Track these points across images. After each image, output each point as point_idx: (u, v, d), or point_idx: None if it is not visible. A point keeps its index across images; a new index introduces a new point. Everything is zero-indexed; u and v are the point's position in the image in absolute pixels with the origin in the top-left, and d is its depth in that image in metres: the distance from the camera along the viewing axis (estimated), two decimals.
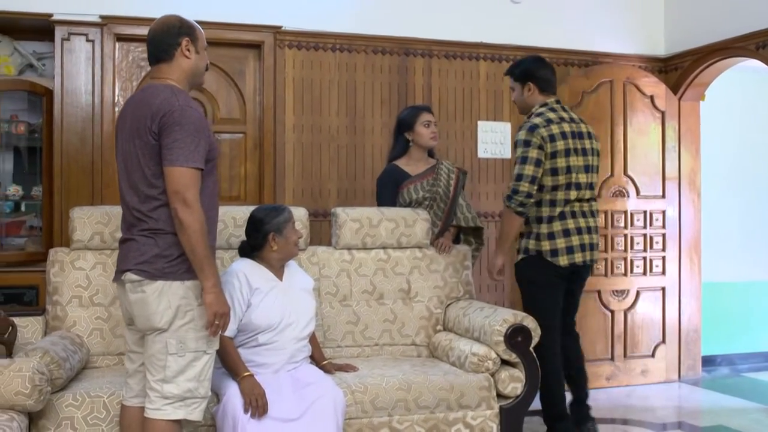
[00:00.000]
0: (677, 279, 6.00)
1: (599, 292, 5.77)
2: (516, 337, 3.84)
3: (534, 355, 3.90)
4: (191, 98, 3.03)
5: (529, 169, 4.01)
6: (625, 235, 5.85)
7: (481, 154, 5.68)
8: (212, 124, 5.27)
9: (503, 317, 3.88)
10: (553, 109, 4.19)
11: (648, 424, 4.91)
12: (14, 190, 5.04)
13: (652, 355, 5.91)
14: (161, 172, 2.89)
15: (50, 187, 4.94)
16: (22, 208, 5.16)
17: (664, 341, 5.94)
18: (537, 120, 4.10)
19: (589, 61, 5.88)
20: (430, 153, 4.68)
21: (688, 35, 5.89)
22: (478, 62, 5.67)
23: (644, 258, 5.91)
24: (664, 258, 5.96)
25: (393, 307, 4.33)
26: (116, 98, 5.07)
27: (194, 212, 2.86)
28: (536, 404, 4.07)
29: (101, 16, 4.92)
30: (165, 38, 3.03)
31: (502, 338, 3.83)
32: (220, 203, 4.78)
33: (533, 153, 4.02)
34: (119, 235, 3.14)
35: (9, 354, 3.53)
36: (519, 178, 4.03)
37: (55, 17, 4.86)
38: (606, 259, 5.79)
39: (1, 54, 5.03)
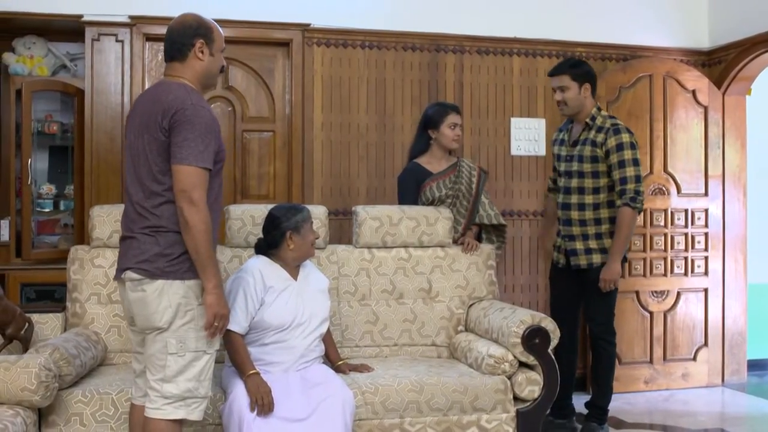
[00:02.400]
0: (721, 280, 5.78)
1: (637, 292, 5.60)
2: (534, 338, 3.74)
3: (552, 357, 3.79)
4: (204, 98, 3.02)
5: (640, 170, 4.35)
6: (665, 234, 5.66)
7: (514, 151, 5.56)
8: (241, 123, 5.30)
9: (521, 318, 3.79)
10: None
11: (687, 431, 4.74)
12: (48, 189, 5.14)
13: (694, 359, 5.71)
14: (168, 169, 2.89)
15: (81, 186, 5.01)
16: (58, 207, 5.25)
17: (706, 344, 5.74)
18: (620, 122, 4.38)
19: (627, 55, 5.70)
20: (451, 151, 4.61)
21: (732, 27, 5.67)
22: (511, 58, 5.55)
23: (686, 258, 5.71)
24: (706, 258, 5.75)
25: (413, 306, 4.27)
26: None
27: (200, 212, 2.85)
28: None
29: (130, 17, 4.97)
30: (180, 38, 3.02)
31: (519, 340, 3.74)
32: (251, 201, 4.84)
33: (638, 154, 4.36)
34: None
35: (25, 350, 3.58)
36: (638, 179, 4.31)
37: (86, 18, 4.93)
38: (645, 259, 5.62)
39: (35, 55, 5.12)
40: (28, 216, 4.95)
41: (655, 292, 5.64)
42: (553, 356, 3.80)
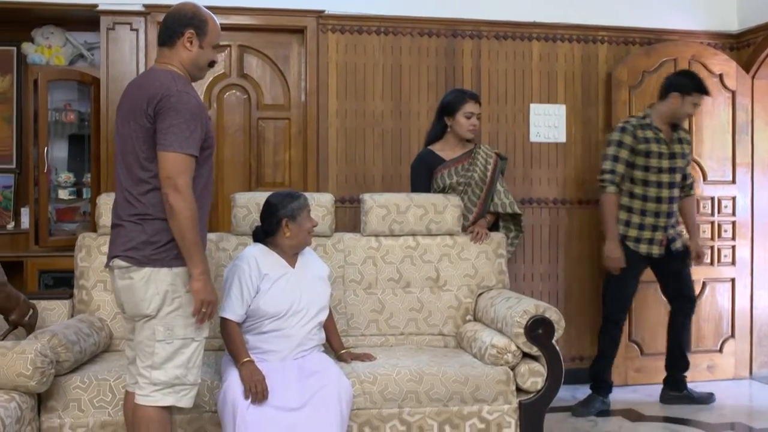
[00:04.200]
0: (749, 269, 5.62)
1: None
2: (537, 329, 3.66)
3: (556, 348, 3.71)
4: (191, 85, 3.01)
5: None
6: None
7: (533, 138, 5.46)
8: (256, 111, 5.29)
9: (524, 308, 3.71)
10: None
11: (711, 426, 4.61)
12: (66, 177, 5.20)
13: (720, 350, 5.57)
14: (154, 156, 2.88)
15: (98, 174, 5.06)
16: (81, 195, 5.30)
17: (733, 335, 5.59)
18: None
19: (651, 39, 5.55)
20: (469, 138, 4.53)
21: (762, 8, 5.46)
22: (530, 42, 5.44)
23: (712, 247, 5.56)
24: (734, 247, 5.60)
25: (420, 295, 4.22)
26: None
27: (185, 198, 2.84)
28: (557, 401, 3.89)
29: (144, 5, 4.98)
30: (172, 24, 3.02)
31: (522, 330, 3.66)
32: (266, 189, 4.83)
33: None
34: None
35: None
36: None
37: (101, 7, 4.96)
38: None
39: (53, 45, 5.17)
40: (45, 204, 5.01)
41: None
42: (557, 347, 3.72)
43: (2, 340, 3.54)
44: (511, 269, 5.29)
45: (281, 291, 3.50)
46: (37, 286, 4.92)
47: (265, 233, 3.59)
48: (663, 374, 5.37)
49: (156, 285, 2.91)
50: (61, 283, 4.91)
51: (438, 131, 4.52)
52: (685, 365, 5.05)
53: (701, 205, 5.52)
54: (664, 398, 5.04)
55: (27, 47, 5.17)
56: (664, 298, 5.45)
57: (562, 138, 5.48)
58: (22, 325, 3.63)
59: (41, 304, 3.91)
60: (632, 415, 4.79)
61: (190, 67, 3.03)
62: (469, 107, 4.44)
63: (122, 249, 2.95)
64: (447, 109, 4.47)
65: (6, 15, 5.04)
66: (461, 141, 4.49)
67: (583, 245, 5.50)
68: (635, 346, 5.44)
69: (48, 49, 5.14)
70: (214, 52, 3.09)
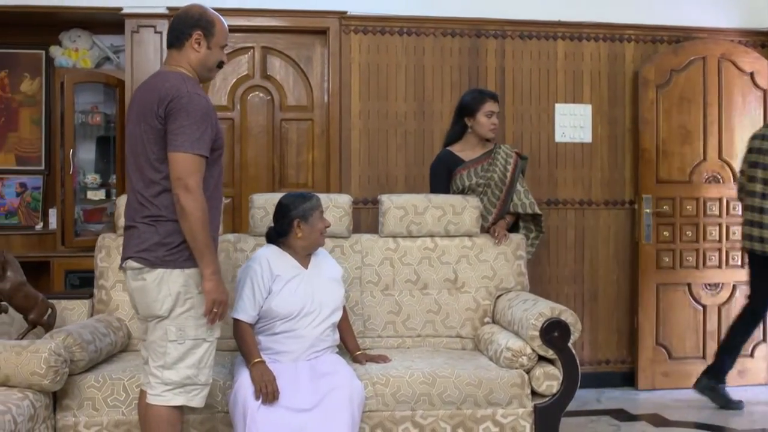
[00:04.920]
0: None
1: (689, 285, 5.38)
2: (552, 332, 3.61)
3: (572, 351, 3.66)
4: (200, 86, 3.03)
5: None
6: (720, 225, 5.41)
7: (558, 138, 5.39)
8: (279, 112, 5.31)
9: (540, 310, 3.67)
10: None
11: None
12: (93, 179, 5.27)
13: (751, 355, 5.44)
14: (165, 157, 2.90)
15: (123, 176, 5.12)
16: (110, 196, 5.37)
17: (765, 339, 5.46)
18: None
19: (680, 37, 5.44)
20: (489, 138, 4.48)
21: None
22: (555, 42, 5.38)
23: (742, 249, 5.43)
24: None
25: (437, 297, 4.19)
26: None
27: (196, 199, 2.86)
28: (573, 405, 3.83)
29: (168, 8, 5.02)
30: (179, 25, 3.05)
31: (537, 333, 3.61)
32: (289, 190, 4.83)
33: None
34: None
35: None
36: None
37: (125, 11, 5.02)
38: (697, 250, 5.38)
39: (80, 48, 5.25)
40: (71, 205, 5.09)
41: (709, 284, 5.41)
42: (573, 350, 3.66)
43: (21, 339, 3.60)
44: (535, 271, 5.28)
45: (293, 292, 3.50)
46: (63, 286, 5.00)
47: (278, 234, 3.60)
48: (691, 378, 5.28)
49: (168, 286, 2.93)
50: (87, 283, 4.95)
51: (457, 132, 4.48)
52: (733, 361, 4.96)
53: (731, 206, 5.41)
54: (700, 386, 4.94)
55: (54, 50, 5.25)
56: (694, 301, 5.38)
57: (587, 138, 5.41)
58: (40, 324, 3.69)
59: (61, 304, 3.96)
60: (657, 420, 4.70)
61: (198, 68, 3.05)
62: (490, 106, 4.39)
63: (135, 250, 2.97)
64: (467, 109, 4.43)
65: (35, 19, 5.14)
66: (481, 141, 4.44)
67: (609, 247, 5.42)
68: (663, 350, 5.34)
69: (75, 52, 5.22)
70: (223, 52, 3.11)
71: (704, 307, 5.40)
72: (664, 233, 5.33)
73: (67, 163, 5.05)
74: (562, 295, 5.35)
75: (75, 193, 5.23)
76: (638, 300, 5.32)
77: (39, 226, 5.35)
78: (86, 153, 5.36)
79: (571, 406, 4.75)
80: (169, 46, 3.07)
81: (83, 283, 4.99)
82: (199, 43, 3.02)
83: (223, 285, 2.98)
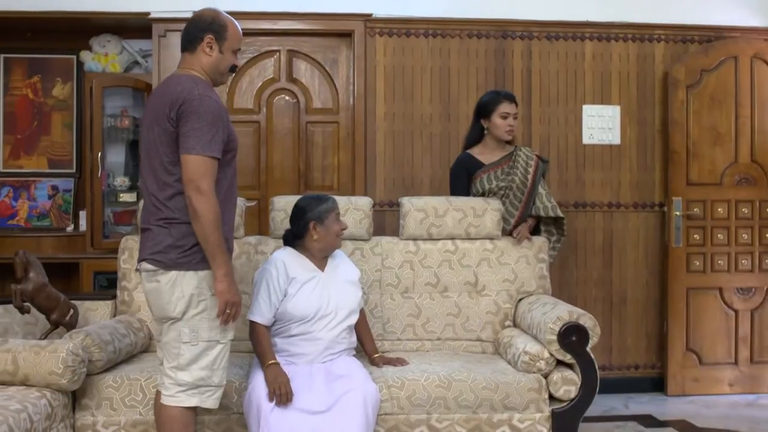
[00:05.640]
0: None
1: (721, 289, 5.26)
2: (570, 336, 3.57)
3: (591, 356, 3.61)
4: (212, 89, 3.05)
5: None
6: (752, 228, 5.29)
7: (586, 140, 5.32)
8: (305, 115, 5.33)
9: (558, 314, 3.63)
10: None
11: None
12: (122, 181, 5.34)
13: None
14: (178, 160, 2.93)
15: None
16: (136, 198, 5.43)
17: None
18: None
19: (711, 36, 5.34)
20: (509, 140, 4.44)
21: None
22: (583, 42, 5.31)
23: None
24: None
25: (458, 300, 4.16)
26: None
27: (208, 201, 2.88)
28: (599, 410, 3.77)
29: (195, 12, 5.05)
30: (192, 29, 3.09)
31: (555, 337, 3.58)
32: (315, 192, 4.85)
33: None
34: None
35: None
36: None
37: (153, 15, 5.07)
38: (729, 254, 5.27)
39: (110, 52, 5.32)
40: (99, 207, 5.17)
41: (741, 288, 5.29)
42: (591, 355, 3.61)
43: (44, 339, 3.66)
44: (563, 274, 5.23)
45: (308, 294, 3.51)
46: (92, 287, 5.07)
47: (294, 236, 3.61)
48: (722, 385, 5.19)
49: (182, 288, 2.96)
50: (115, 285, 4.98)
51: (476, 134, 4.45)
52: None
53: (763, 208, 5.29)
54: None
55: (85, 55, 5.34)
56: (725, 306, 5.28)
57: (616, 140, 5.33)
58: (62, 325, 3.75)
59: (84, 305, 4.03)
60: (685, 426, 4.61)
61: (210, 72, 3.07)
62: (504, 107, 4.34)
63: (149, 252, 3.00)
64: (483, 111, 4.40)
65: (66, 24, 5.22)
66: (500, 143, 4.40)
67: (638, 250, 5.34)
68: (693, 356, 5.24)
69: (104, 57, 5.29)
70: (235, 57, 3.12)
71: (736, 312, 5.28)
72: (695, 236, 5.24)
73: (95, 166, 5.13)
74: (590, 298, 5.29)
75: (105, 195, 5.30)
76: (668, 304, 5.22)
77: (70, 228, 5.43)
78: (116, 156, 5.43)
79: (597, 411, 4.76)
80: (183, 49, 3.11)
81: (111, 285, 5.05)
82: (210, 47, 3.04)
83: (235, 286, 3.00)
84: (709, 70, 5.24)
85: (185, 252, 2.97)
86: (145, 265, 3.02)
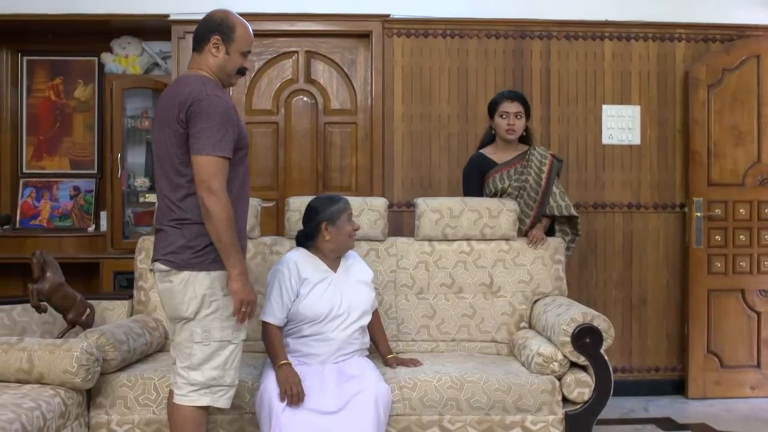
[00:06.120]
0: None
1: (743, 291, 5.20)
2: (584, 338, 3.54)
3: (605, 358, 3.58)
4: (221, 88, 3.06)
5: None
6: None
7: (605, 140, 5.28)
8: (323, 116, 5.34)
9: (572, 316, 3.59)
10: None
11: None
12: (141, 182, 5.39)
13: None
14: (189, 160, 2.94)
15: None
16: (152, 199, 5.47)
17: None
18: None
19: (733, 35, 5.27)
20: (523, 139, 4.40)
21: None
22: (602, 42, 5.27)
23: None
24: None
25: (473, 301, 4.15)
26: (230, 93, 5.25)
27: (220, 200, 2.89)
28: (606, 413, 3.73)
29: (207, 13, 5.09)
30: (201, 30, 3.09)
31: (568, 339, 3.55)
32: (333, 193, 4.87)
33: None
34: None
35: None
36: None
37: (172, 17, 5.11)
38: (751, 255, 5.20)
39: (130, 54, 5.37)
40: (119, 207, 5.22)
41: (764, 290, 5.21)
42: (605, 357, 3.58)
43: (60, 338, 3.71)
44: (582, 275, 5.20)
45: (320, 295, 3.52)
46: (112, 286, 5.12)
47: (307, 237, 3.62)
48: (744, 388, 5.12)
49: (194, 288, 2.98)
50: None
51: (489, 134, 4.44)
52: None
53: None
54: None
55: (105, 57, 5.39)
56: (747, 308, 5.21)
57: (636, 140, 5.29)
58: (79, 324, 3.79)
59: (102, 304, 4.07)
60: (704, 430, 4.56)
61: (217, 73, 3.07)
62: (504, 107, 4.28)
63: (162, 253, 3.02)
64: (489, 110, 4.38)
65: (87, 27, 5.29)
66: (512, 143, 4.35)
67: (658, 251, 5.28)
68: (715, 358, 5.17)
69: (125, 59, 5.34)
70: (244, 59, 3.10)
71: (758, 314, 5.20)
72: (716, 237, 5.17)
73: (115, 167, 5.18)
74: (609, 300, 5.25)
75: (127, 196, 5.36)
76: (688, 306, 5.17)
77: (91, 229, 5.49)
78: (136, 157, 5.48)
79: (616, 414, 4.73)
80: (193, 49, 3.11)
81: (131, 285, 5.04)
82: (217, 48, 3.04)
83: (250, 284, 3.01)
84: (731, 69, 5.17)
85: (198, 252, 2.98)
86: (158, 266, 3.04)
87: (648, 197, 5.29)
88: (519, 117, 4.29)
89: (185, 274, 2.98)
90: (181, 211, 2.99)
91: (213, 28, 3.05)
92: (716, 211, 5.16)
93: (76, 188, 5.58)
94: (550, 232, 4.39)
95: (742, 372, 5.19)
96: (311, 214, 3.58)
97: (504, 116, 4.29)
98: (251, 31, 3.13)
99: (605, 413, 3.70)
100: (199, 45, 3.07)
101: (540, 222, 4.32)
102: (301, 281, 3.51)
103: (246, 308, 2.99)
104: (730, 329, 5.18)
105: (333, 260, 3.62)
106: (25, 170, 5.61)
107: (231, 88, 5.13)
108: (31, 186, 5.57)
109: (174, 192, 3.01)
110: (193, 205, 2.97)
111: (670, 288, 5.29)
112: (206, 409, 3.09)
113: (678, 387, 5.26)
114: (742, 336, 5.20)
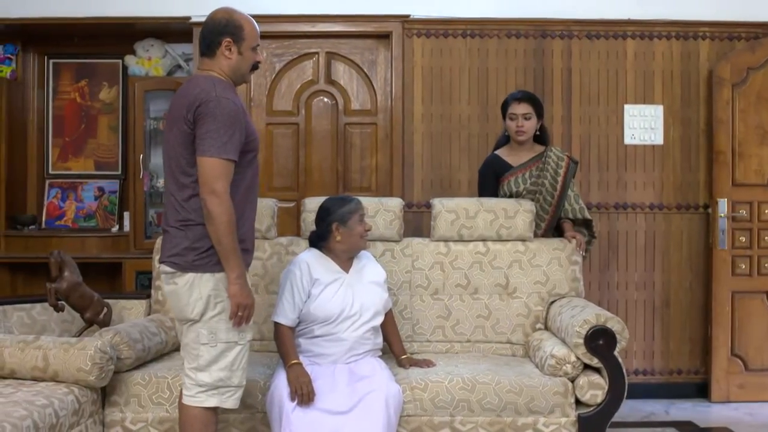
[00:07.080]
0: None
1: (767, 293, 5.11)
2: (597, 339, 3.50)
3: (619, 360, 3.54)
4: (232, 89, 3.06)
5: None
6: None
7: (627, 140, 5.23)
8: (344, 116, 5.35)
9: (585, 317, 3.56)
10: None
11: None
12: (163, 183, 5.43)
13: None
14: (195, 161, 2.95)
15: None
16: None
17: None
18: None
19: (759, 33, 5.19)
20: (539, 139, 4.37)
21: None
22: (624, 41, 5.22)
23: None
24: None
25: (488, 302, 4.13)
26: (251, 94, 5.31)
27: (222, 203, 2.90)
28: (626, 416, 3.69)
29: (208, 15, 5.12)
30: (208, 35, 3.06)
31: (581, 340, 3.51)
32: (352, 194, 4.89)
33: None
34: None
35: None
36: None
37: (193, 20, 5.15)
38: None
39: (153, 56, 5.44)
40: (141, 208, 5.28)
41: None
42: (619, 359, 3.54)
43: (77, 336, 3.76)
44: (603, 277, 5.16)
45: (332, 296, 3.52)
46: (134, 286, 5.18)
47: (318, 238, 3.63)
48: None
49: (199, 290, 2.99)
50: None
51: (503, 136, 4.41)
52: None
53: None
54: None
55: (129, 59, 5.45)
56: None
57: (659, 140, 5.23)
58: (96, 323, 3.84)
59: (120, 304, 4.12)
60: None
61: (232, 74, 3.07)
62: (512, 109, 4.25)
63: (167, 255, 3.05)
64: (501, 112, 4.36)
65: (111, 30, 5.36)
66: (526, 144, 4.32)
67: (681, 252, 5.22)
68: (739, 361, 5.10)
69: (148, 61, 5.40)
70: (256, 53, 3.10)
71: None
72: (741, 238, 5.10)
73: (136, 168, 5.24)
74: (630, 301, 5.20)
75: (149, 196, 5.42)
76: (712, 308, 5.10)
77: (115, 229, 5.55)
78: (159, 158, 5.49)
79: (637, 417, 4.69)
80: (201, 54, 3.11)
81: (152, 284, 5.15)
82: (230, 50, 3.03)
83: (247, 288, 3.01)
84: (756, 67, 5.10)
85: (201, 254, 2.99)
86: (164, 267, 3.07)
87: (671, 198, 5.23)
88: (528, 118, 4.25)
89: (190, 275, 3.00)
90: (185, 212, 3.00)
91: (221, 31, 3.04)
92: (741, 211, 5.09)
93: (101, 189, 5.66)
94: (560, 234, 4.35)
95: (767, 375, 5.10)
96: (323, 215, 3.59)
97: (513, 118, 4.26)
98: (256, 23, 3.11)
99: (625, 416, 3.67)
100: (209, 50, 3.06)
101: (569, 224, 4.26)
102: (313, 282, 3.52)
103: (243, 312, 3.00)
104: (755, 332, 5.11)
105: (345, 261, 3.63)
106: (50, 171, 5.70)
107: (251, 90, 5.27)
108: (56, 187, 5.66)
109: (180, 191, 3.02)
110: (198, 206, 2.97)
111: (694, 290, 5.22)
112: (215, 410, 3.11)
113: (701, 390, 5.19)
114: (767, 339, 5.11)
